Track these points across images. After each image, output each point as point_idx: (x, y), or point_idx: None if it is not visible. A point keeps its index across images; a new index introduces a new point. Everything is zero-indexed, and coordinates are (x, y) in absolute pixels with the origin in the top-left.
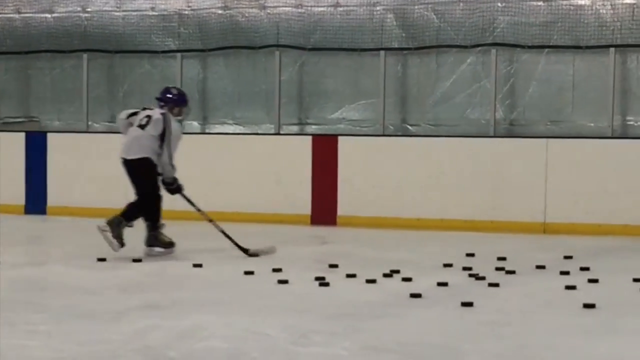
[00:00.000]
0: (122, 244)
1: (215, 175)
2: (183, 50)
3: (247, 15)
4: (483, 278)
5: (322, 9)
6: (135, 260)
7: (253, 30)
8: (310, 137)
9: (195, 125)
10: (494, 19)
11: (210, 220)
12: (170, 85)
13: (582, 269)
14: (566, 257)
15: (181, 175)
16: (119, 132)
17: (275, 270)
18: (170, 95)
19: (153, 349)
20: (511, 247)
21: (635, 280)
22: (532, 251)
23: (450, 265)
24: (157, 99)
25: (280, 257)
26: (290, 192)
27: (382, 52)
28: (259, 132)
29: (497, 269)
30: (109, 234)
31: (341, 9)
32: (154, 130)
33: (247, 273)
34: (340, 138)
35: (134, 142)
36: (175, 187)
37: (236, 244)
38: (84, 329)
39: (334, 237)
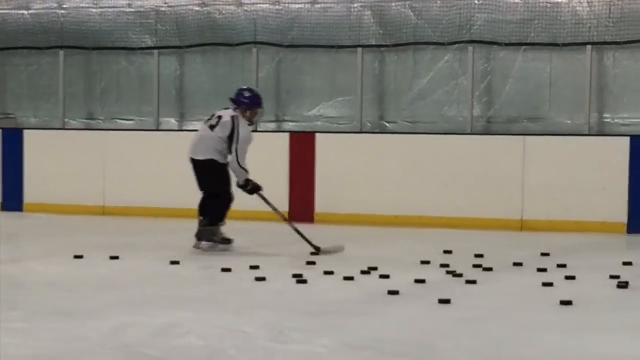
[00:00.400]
0: (229, 241)
1: (192, 173)
2: (160, 47)
3: (224, 12)
4: (460, 275)
5: (299, 5)
6: (112, 258)
7: (230, 27)
8: (287, 134)
9: (172, 122)
10: (470, 16)
11: (285, 220)
12: (244, 87)
13: (559, 265)
14: (543, 254)
15: (158, 173)
16: (95, 129)
17: (252, 267)
18: (242, 98)
19: (130, 346)
20: (488, 244)
21: (612, 277)
22: (509, 248)
23: (427, 262)
24: (231, 100)
25: (257, 254)
26: (268, 189)
27: (359, 49)
28: None
29: (475, 265)
30: (215, 244)
31: (318, 5)
32: (221, 132)
33: (225, 270)
34: (317, 135)
35: (201, 141)
36: (250, 189)
37: (309, 242)
38: (61, 327)
39: (311, 234)
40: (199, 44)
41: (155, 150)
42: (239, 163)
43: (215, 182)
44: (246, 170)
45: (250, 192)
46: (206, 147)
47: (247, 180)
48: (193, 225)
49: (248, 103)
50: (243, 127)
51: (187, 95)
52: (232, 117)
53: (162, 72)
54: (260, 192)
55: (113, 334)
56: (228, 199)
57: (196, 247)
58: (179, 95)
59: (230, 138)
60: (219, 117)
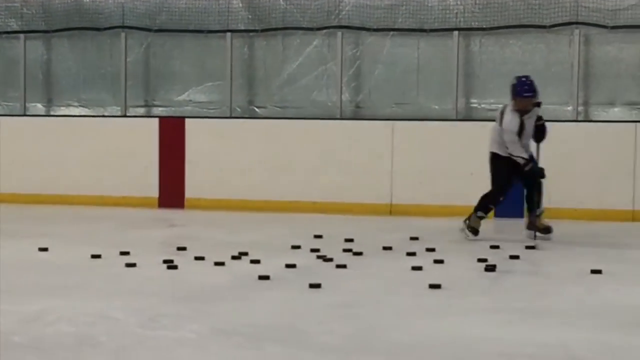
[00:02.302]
0: (474, 233)
1: (61, 158)
2: (26, 31)
3: None
4: (331, 260)
5: None
6: None
7: (98, 12)
8: (157, 120)
9: (39, 107)
10: (339, 2)
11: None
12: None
13: (428, 249)
14: (412, 238)
15: (26, 159)
16: None
17: (122, 253)
18: (511, 86)
19: None
20: (358, 228)
21: (480, 260)
22: (378, 232)
23: (298, 247)
24: None
25: (127, 240)
26: (137, 175)
27: (228, 34)
28: (105, 114)
29: (345, 250)
30: (466, 229)
31: None
32: (497, 123)
33: (94, 257)
34: (187, 120)
35: (490, 134)
36: (527, 170)
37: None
38: None
39: (182, 220)
40: (66, 29)
41: (23, 136)
42: (510, 153)
43: (494, 173)
44: (523, 158)
45: (529, 174)
46: (492, 140)
47: (527, 161)
48: (60, 211)
49: (512, 91)
50: (507, 116)
51: (54, 81)
52: (503, 107)
53: (29, 56)
54: (541, 178)
55: None
56: (493, 191)
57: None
58: (46, 80)
59: (501, 126)
60: None
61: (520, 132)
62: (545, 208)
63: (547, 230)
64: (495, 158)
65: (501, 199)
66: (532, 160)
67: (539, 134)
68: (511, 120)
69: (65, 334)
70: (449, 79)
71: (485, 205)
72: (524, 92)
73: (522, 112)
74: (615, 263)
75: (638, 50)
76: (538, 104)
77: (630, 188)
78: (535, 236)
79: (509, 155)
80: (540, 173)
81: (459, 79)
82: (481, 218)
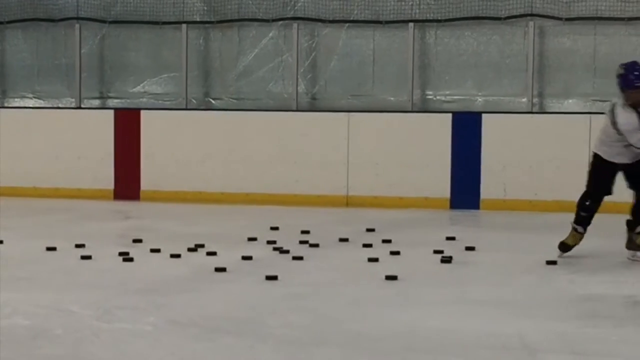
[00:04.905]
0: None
1: (15, 150)
2: None
3: None
4: (287, 251)
5: None
6: None
7: (52, 3)
8: (112, 111)
9: None
10: None
11: None
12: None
13: (384, 241)
14: (368, 230)
15: None
16: None
17: (78, 245)
18: (618, 77)
19: None
20: (315, 220)
21: (436, 252)
22: (335, 224)
23: (254, 239)
24: None
25: (83, 232)
26: (93, 167)
27: (183, 26)
28: (60, 106)
29: (301, 242)
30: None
31: None
32: (606, 122)
33: (50, 249)
34: (142, 112)
35: (598, 134)
36: None
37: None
38: None
39: (137, 212)
40: (20, 20)
41: None
42: (635, 147)
43: (590, 176)
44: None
45: None
46: (597, 138)
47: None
48: (15, 203)
49: (620, 83)
50: (620, 116)
51: (8, 72)
52: (612, 104)
53: None
54: None
55: None
56: (583, 193)
57: (630, 258)
58: (0, 72)
59: (616, 127)
60: None
61: None
62: (502, 200)
63: None
64: (595, 159)
65: (587, 203)
66: None
67: None
68: (626, 119)
69: (20, 326)
70: (404, 71)
71: (577, 213)
72: (635, 81)
73: (636, 105)
74: (570, 254)
75: (592, 42)
76: None
77: (584, 179)
78: (634, 256)
79: (606, 160)
80: None
81: (415, 71)
82: (575, 230)
